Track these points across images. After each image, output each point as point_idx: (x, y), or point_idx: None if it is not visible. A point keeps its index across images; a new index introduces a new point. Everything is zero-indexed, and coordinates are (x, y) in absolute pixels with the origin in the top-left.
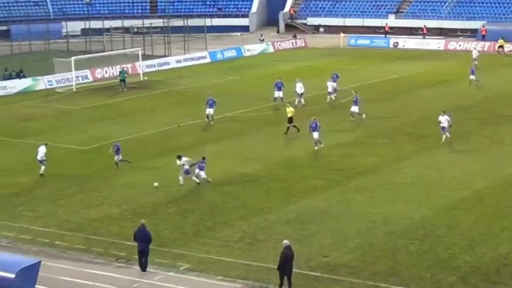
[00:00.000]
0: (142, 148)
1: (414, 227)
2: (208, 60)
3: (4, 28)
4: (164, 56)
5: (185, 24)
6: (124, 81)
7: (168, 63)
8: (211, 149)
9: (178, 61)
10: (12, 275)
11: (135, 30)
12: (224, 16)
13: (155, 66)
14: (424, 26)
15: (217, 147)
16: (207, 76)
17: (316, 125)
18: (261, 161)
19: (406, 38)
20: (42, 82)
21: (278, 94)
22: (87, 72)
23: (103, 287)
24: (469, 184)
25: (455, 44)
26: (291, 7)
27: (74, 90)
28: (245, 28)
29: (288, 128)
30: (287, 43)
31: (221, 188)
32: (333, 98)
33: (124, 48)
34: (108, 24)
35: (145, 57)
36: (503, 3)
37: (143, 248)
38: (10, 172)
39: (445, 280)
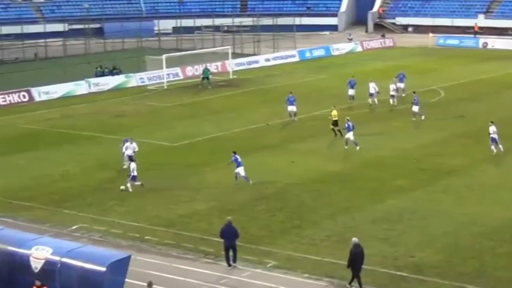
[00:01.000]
0: (232, 145)
1: (502, 229)
2: (297, 58)
3: (97, 25)
4: (254, 54)
5: (275, 23)
6: (207, 78)
7: (257, 62)
8: (298, 147)
9: (267, 60)
10: (103, 268)
11: (225, 28)
12: (313, 15)
13: (244, 64)
14: None
15: (305, 145)
16: (295, 75)
17: (349, 125)
18: (348, 160)
19: (496, 39)
20: (134, 79)
21: (351, 92)
22: (177, 69)
23: (191, 283)
24: None
25: None
26: (380, 6)
27: (165, 87)
28: (333, 27)
29: (339, 130)
30: (375, 42)
31: (308, 186)
32: (394, 103)
33: (214, 46)
34: (199, 22)
35: (235, 55)
36: None
37: (231, 244)
38: (103, 168)
39: None
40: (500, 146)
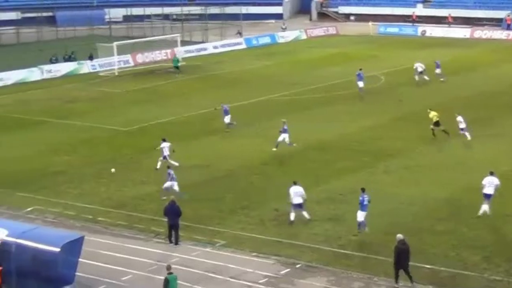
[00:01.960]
0: (183, 129)
1: (439, 208)
2: (244, 46)
3: (50, 14)
4: (202, 42)
5: (222, 12)
6: (177, 67)
7: (205, 49)
8: (247, 131)
9: (215, 47)
10: (57, 249)
11: (174, 17)
12: (259, 4)
13: (193, 51)
14: (449, 15)
15: (253, 129)
16: (243, 61)
17: (286, 129)
18: (296, 141)
19: (434, 27)
20: (86, 66)
21: (361, 84)
22: (128, 57)
23: (144, 262)
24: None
25: (480, 33)
26: None
27: (116, 74)
28: (279, 16)
29: (433, 130)
30: (319, 30)
31: (256, 169)
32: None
33: (164, 34)
34: (148, 11)
35: (184, 43)
36: None
37: (174, 222)
38: (55, 152)
39: (469, 259)
40: (467, 134)
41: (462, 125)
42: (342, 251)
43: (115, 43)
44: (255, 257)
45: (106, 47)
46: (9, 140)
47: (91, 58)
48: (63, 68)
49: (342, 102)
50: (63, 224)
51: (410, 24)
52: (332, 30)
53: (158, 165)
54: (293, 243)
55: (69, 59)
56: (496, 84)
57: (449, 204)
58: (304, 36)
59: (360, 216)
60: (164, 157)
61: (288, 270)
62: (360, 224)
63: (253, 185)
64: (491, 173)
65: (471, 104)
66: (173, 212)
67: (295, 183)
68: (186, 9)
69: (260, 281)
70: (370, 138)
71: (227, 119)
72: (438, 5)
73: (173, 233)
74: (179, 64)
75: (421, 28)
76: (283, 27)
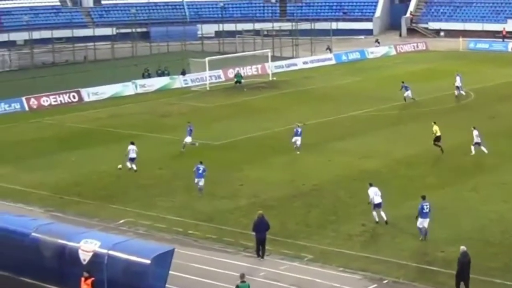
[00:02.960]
0: (271, 144)
1: None
2: (333, 61)
3: (144, 30)
4: (292, 57)
5: (312, 27)
6: (240, 82)
7: (295, 64)
8: (336, 146)
9: (305, 62)
10: (148, 261)
11: (265, 32)
12: (349, 20)
13: (283, 67)
14: None
15: (342, 145)
16: (332, 77)
17: (297, 130)
18: (382, 158)
19: None
20: (178, 81)
21: (407, 94)
22: (219, 72)
23: (232, 275)
24: None
25: None
26: (411, 12)
27: (208, 88)
28: (368, 32)
29: (439, 147)
30: (409, 46)
31: (344, 183)
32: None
33: (255, 50)
34: (240, 27)
35: (274, 58)
36: None
37: (262, 237)
38: (148, 165)
39: None
40: (483, 148)
41: (478, 139)
42: (429, 267)
43: (207, 59)
44: (342, 272)
45: (198, 62)
46: (103, 153)
47: (183, 73)
48: (156, 82)
49: (430, 118)
50: (154, 236)
51: (501, 40)
52: (421, 46)
53: (127, 165)
54: (380, 259)
55: (162, 74)
56: None
57: None
58: (393, 52)
59: (420, 222)
60: (132, 160)
61: (375, 286)
62: (421, 231)
63: (340, 200)
64: None
65: None
66: (261, 227)
67: (371, 185)
68: (277, 25)
69: None
70: (459, 154)
71: (188, 139)
72: None
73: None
74: (242, 81)
75: (511, 44)
76: (377, 43)
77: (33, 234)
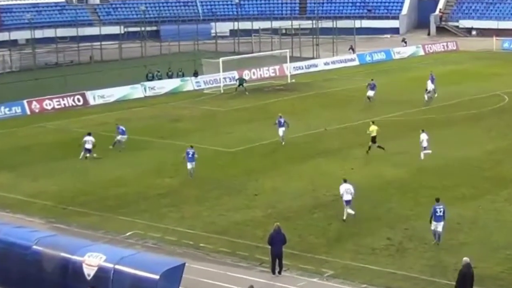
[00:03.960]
0: (290, 151)
1: None
2: (356, 62)
3: (154, 28)
4: (312, 58)
5: (334, 26)
6: (242, 85)
7: (316, 65)
8: (357, 153)
9: (326, 63)
10: (157, 276)
11: (284, 31)
12: (374, 17)
13: (303, 68)
14: None
15: (363, 152)
16: (355, 79)
17: (281, 121)
18: (410, 166)
19: None
20: (190, 83)
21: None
22: (234, 73)
23: None
24: None
25: None
26: (441, 9)
27: (222, 91)
28: (395, 30)
29: (369, 147)
30: (438, 46)
31: (367, 193)
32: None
33: (272, 50)
34: (256, 25)
35: (293, 59)
36: None
37: (278, 251)
38: (158, 174)
39: None
40: (428, 151)
41: (425, 144)
42: None
43: (221, 59)
44: None
45: (211, 63)
46: (110, 160)
47: (196, 74)
48: (167, 85)
49: (461, 123)
50: (163, 249)
51: None
52: (451, 46)
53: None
54: (406, 275)
55: (172, 75)
56: None
57: None
58: (421, 52)
59: (434, 226)
60: (87, 150)
61: None
62: (434, 235)
63: (363, 211)
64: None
65: None
66: (278, 240)
67: (345, 181)
68: (296, 23)
69: None
70: (492, 162)
71: (121, 138)
72: None
73: (277, 262)
74: (245, 84)
75: None
76: (403, 43)
77: (34, 247)
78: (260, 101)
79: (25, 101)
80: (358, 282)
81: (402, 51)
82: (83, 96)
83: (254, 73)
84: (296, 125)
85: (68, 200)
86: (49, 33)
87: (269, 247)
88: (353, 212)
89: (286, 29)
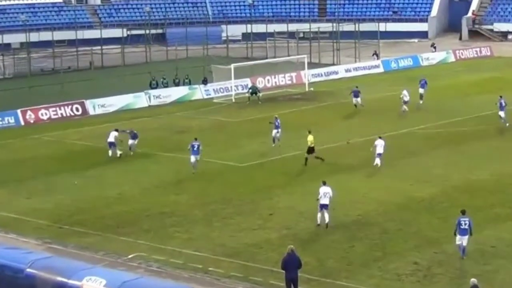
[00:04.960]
0: (308, 166)
1: None
2: (381, 69)
3: (159, 31)
4: (333, 64)
5: (357, 29)
6: (256, 93)
7: (336, 72)
8: (384, 169)
9: (348, 70)
10: None
11: (301, 35)
12: (400, 20)
13: (322, 75)
14: None
15: (391, 168)
16: (379, 88)
17: (277, 123)
18: (439, 183)
19: None
20: (199, 91)
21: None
22: (247, 81)
23: None
24: None
25: None
26: (474, 11)
27: (233, 100)
28: (423, 34)
29: (306, 159)
30: (470, 51)
31: (392, 213)
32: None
33: (289, 55)
34: (271, 28)
35: (312, 65)
36: None
37: (292, 276)
38: (162, 190)
39: None
40: (378, 159)
41: (380, 150)
42: None
43: (232, 65)
44: None
45: (222, 70)
46: (110, 175)
47: (205, 82)
48: (173, 93)
49: (496, 137)
50: (168, 274)
51: None
52: (485, 51)
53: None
54: None
55: (179, 83)
56: None
57: None
58: (452, 58)
59: (458, 240)
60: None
61: None
62: (460, 249)
63: (389, 233)
64: None
65: None
66: (292, 264)
67: (324, 183)
68: (315, 26)
69: None
70: None
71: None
72: None
73: None
74: (260, 94)
75: None
76: (432, 48)
77: (28, 270)
78: (275, 111)
79: (18, 111)
80: None
81: (431, 57)
82: (82, 105)
83: (268, 80)
84: (316, 138)
85: (65, 219)
86: (45, 36)
87: (283, 271)
88: (327, 220)
89: (304, 32)
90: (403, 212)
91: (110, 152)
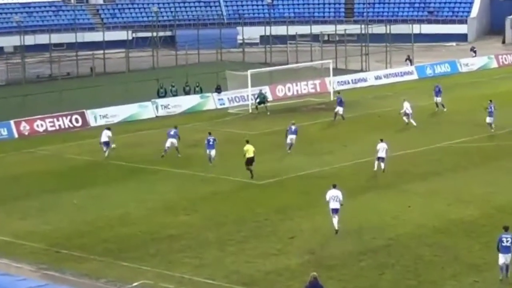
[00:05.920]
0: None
1: None
2: (415, 76)
3: (168, 34)
4: (361, 70)
5: (388, 32)
6: (263, 102)
7: (365, 80)
8: (416, 187)
9: (378, 77)
10: None
11: (326, 38)
12: (436, 21)
13: (349, 83)
14: None
15: (425, 186)
16: (412, 96)
17: (293, 129)
18: (482, 204)
19: None
20: (212, 101)
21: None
22: (266, 89)
23: None
24: None
25: None
26: None
27: (250, 111)
28: (462, 37)
29: (250, 170)
30: None
31: (428, 237)
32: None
33: (312, 61)
34: (293, 30)
35: (337, 71)
36: None
37: None
38: (171, 210)
39: None
40: (382, 164)
41: (382, 154)
42: None
43: (249, 71)
44: None
45: (237, 77)
46: (113, 194)
47: (218, 90)
48: (183, 102)
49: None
50: None
51: None
52: None
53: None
54: None
55: (190, 91)
56: None
57: None
58: (494, 64)
59: (501, 258)
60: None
61: None
62: (502, 269)
63: (423, 259)
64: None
65: None
66: None
67: (334, 186)
68: (341, 28)
69: None
70: None
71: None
72: None
73: None
74: (268, 104)
75: None
76: (472, 52)
77: None
78: (296, 122)
79: (12, 122)
80: None
81: (470, 63)
82: (82, 115)
83: (289, 89)
84: (341, 153)
85: (63, 242)
86: (42, 39)
87: None
88: (336, 227)
89: (328, 35)
90: (439, 236)
91: (106, 153)
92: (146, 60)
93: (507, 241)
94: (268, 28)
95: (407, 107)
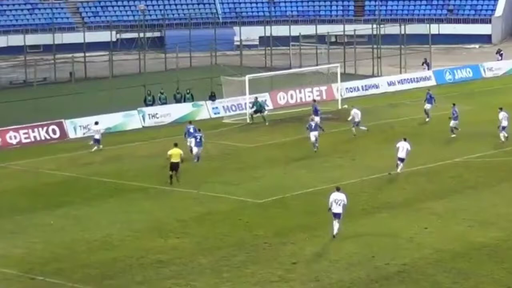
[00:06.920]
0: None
1: None
2: (433, 82)
3: (157, 34)
4: (372, 75)
5: (402, 32)
6: (261, 111)
7: (377, 86)
8: (435, 207)
9: (391, 83)
10: None
11: (333, 39)
12: (457, 21)
13: (358, 89)
14: None
15: (444, 205)
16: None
17: (313, 125)
18: (506, 226)
19: None
20: (205, 109)
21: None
22: (266, 96)
23: None
24: None
25: None
26: None
27: (248, 121)
28: (485, 38)
29: (171, 176)
30: None
31: (447, 263)
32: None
33: (317, 64)
34: (296, 30)
35: (346, 76)
36: None
37: None
38: (159, 232)
39: None
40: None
41: (402, 155)
42: None
43: (247, 76)
44: None
45: (234, 82)
46: (95, 214)
47: (212, 97)
48: (173, 111)
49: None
50: None
51: None
52: None
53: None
54: None
55: (181, 98)
56: None
57: None
58: None
59: None
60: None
61: None
62: None
63: (441, 286)
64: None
65: None
66: None
67: (338, 189)
68: (350, 28)
69: None
70: None
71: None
72: None
73: None
74: (266, 112)
75: None
76: (498, 55)
77: None
78: (299, 134)
79: None
80: None
81: (495, 67)
82: (60, 126)
83: (292, 96)
84: (350, 168)
85: (38, 267)
86: (15, 40)
87: None
88: (335, 231)
89: (336, 36)
90: (459, 261)
91: (95, 147)
92: (132, 64)
93: None
94: (268, 28)
95: (356, 113)
